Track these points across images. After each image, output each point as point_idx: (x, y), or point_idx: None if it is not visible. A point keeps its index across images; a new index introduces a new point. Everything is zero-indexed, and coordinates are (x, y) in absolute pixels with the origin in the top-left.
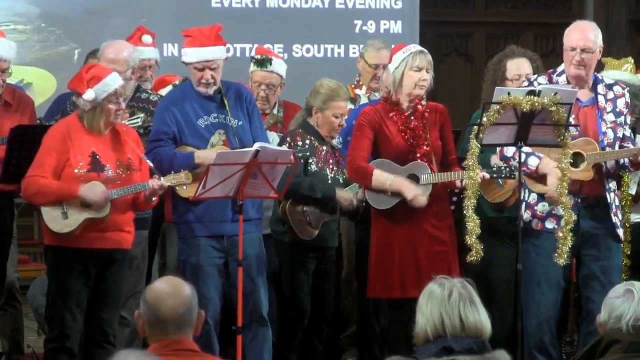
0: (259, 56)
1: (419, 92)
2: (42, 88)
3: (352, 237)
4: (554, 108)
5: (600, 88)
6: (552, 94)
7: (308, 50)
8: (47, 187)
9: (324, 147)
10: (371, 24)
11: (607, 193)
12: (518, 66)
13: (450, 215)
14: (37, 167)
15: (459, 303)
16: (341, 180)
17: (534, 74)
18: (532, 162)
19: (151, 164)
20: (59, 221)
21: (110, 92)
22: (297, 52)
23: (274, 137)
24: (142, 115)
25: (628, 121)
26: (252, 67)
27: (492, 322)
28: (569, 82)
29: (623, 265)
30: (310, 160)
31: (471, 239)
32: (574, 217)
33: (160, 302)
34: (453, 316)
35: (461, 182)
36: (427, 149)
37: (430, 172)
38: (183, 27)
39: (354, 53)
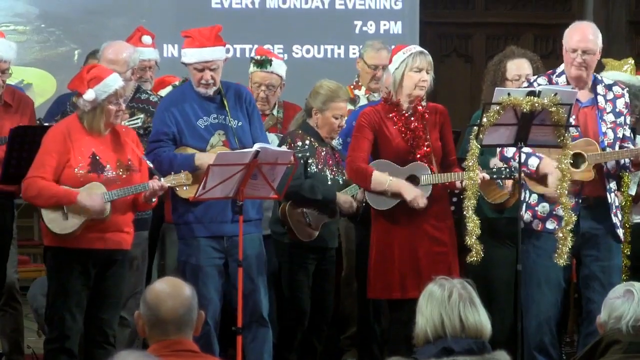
0: (258, 57)
1: (419, 93)
2: (42, 89)
3: (351, 238)
4: (554, 109)
5: (600, 88)
6: (552, 95)
7: (308, 51)
8: (48, 190)
9: (324, 148)
10: (371, 25)
11: (607, 193)
12: (518, 67)
13: (450, 216)
14: (38, 168)
15: (459, 304)
16: (341, 182)
17: (533, 74)
18: (533, 162)
19: (151, 165)
20: (59, 222)
21: (111, 92)
22: (297, 53)
23: (272, 138)
24: (142, 116)
25: (628, 121)
26: (252, 68)
27: (492, 323)
28: (568, 83)
29: (623, 266)
30: (310, 161)
31: (471, 240)
32: (574, 218)
33: (161, 303)
34: (453, 317)
35: (461, 182)
36: (427, 149)
37: (430, 172)
38: (183, 27)
39: (354, 54)
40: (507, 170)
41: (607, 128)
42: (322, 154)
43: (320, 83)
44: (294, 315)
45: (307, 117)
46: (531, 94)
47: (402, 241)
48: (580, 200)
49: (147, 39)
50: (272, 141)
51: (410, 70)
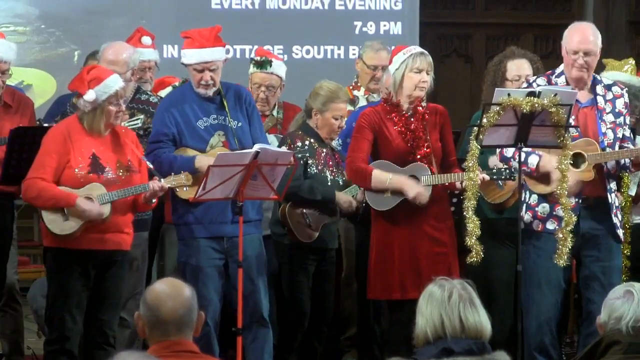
0: (258, 58)
1: (419, 94)
2: (42, 89)
3: (351, 238)
4: (553, 109)
5: (599, 89)
6: (552, 96)
7: (308, 52)
8: (47, 192)
9: (324, 149)
10: (371, 25)
11: (607, 194)
12: (518, 67)
13: (450, 217)
14: (38, 169)
15: (459, 304)
16: (341, 182)
17: (533, 75)
18: (532, 160)
19: (151, 166)
20: (59, 223)
21: (111, 93)
22: (297, 54)
23: (272, 139)
24: (141, 116)
25: (627, 121)
26: (252, 69)
27: (492, 323)
28: (568, 83)
29: (623, 267)
30: (309, 162)
31: (471, 241)
32: (574, 219)
33: (161, 304)
34: (453, 317)
35: (461, 183)
36: (427, 150)
37: (430, 173)
38: (183, 28)
39: (353, 54)
40: (507, 171)
41: (607, 128)
42: (322, 154)
43: (320, 84)
44: (294, 316)
45: (307, 117)
46: (531, 94)
47: (402, 242)
48: (580, 201)
49: (146, 39)
50: (272, 142)
51: (411, 71)
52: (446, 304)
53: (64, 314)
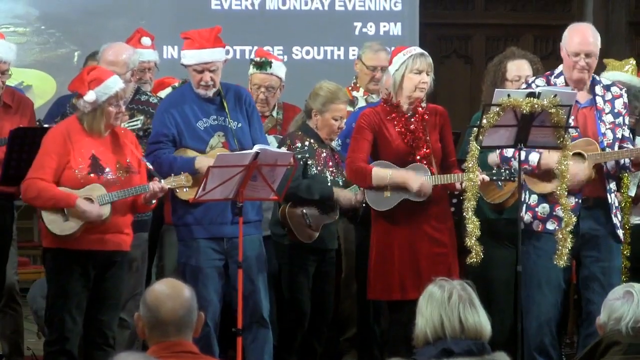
0: (258, 59)
1: (419, 95)
2: (42, 90)
3: (350, 239)
4: (553, 110)
5: (598, 89)
6: (552, 96)
7: (308, 53)
8: (47, 192)
9: (324, 150)
10: (371, 26)
11: (607, 194)
12: (518, 67)
13: (450, 217)
14: (37, 169)
15: (459, 305)
16: (340, 183)
17: (533, 76)
18: (533, 158)
19: (150, 167)
20: (59, 223)
21: (111, 94)
22: (296, 54)
23: (272, 140)
24: (141, 117)
25: (626, 122)
26: (252, 70)
27: (492, 324)
28: (567, 84)
29: (623, 267)
30: (309, 163)
31: (471, 241)
32: (574, 219)
33: (160, 304)
34: (453, 318)
35: (461, 184)
36: (427, 151)
37: (430, 174)
38: (182, 29)
39: (353, 55)
40: (507, 171)
41: (606, 129)
42: (322, 155)
43: (319, 84)
44: (293, 316)
45: (307, 118)
46: (531, 95)
47: (402, 242)
48: (580, 201)
49: (146, 40)
50: (271, 143)
51: (410, 72)
52: (446, 304)
53: (63, 315)
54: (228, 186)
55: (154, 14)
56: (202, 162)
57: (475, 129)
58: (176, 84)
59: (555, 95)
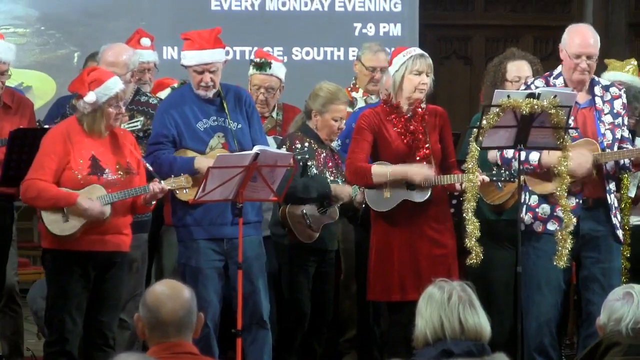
0: (258, 59)
1: (419, 96)
2: (42, 91)
3: (350, 239)
4: (553, 111)
5: (597, 90)
6: (552, 97)
7: (308, 53)
8: (47, 192)
9: (324, 151)
10: (371, 27)
11: (607, 194)
12: (518, 68)
13: (450, 218)
14: (37, 170)
15: (459, 306)
16: (340, 183)
17: (533, 77)
18: (533, 157)
19: (150, 167)
20: (59, 224)
21: (111, 95)
22: (296, 55)
23: (271, 141)
24: (141, 118)
25: (625, 122)
26: (252, 71)
27: (492, 325)
28: (566, 85)
29: (622, 268)
30: (309, 164)
31: (471, 242)
32: (574, 220)
33: (160, 305)
34: (452, 319)
35: (461, 185)
36: (427, 152)
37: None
38: (182, 30)
39: (353, 56)
40: (507, 172)
41: (606, 129)
42: (322, 156)
43: (319, 85)
44: (293, 317)
45: (307, 119)
46: (531, 96)
47: (401, 243)
48: (581, 201)
49: (145, 41)
50: (271, 144)
51: (410, 73)
52: (446, 305)
53: (63, 316)
54: (228, 187)
55: (153, 14)
56: (202, 162)
57: (475, 129)
58: (175, 85)
59: (555, 96)
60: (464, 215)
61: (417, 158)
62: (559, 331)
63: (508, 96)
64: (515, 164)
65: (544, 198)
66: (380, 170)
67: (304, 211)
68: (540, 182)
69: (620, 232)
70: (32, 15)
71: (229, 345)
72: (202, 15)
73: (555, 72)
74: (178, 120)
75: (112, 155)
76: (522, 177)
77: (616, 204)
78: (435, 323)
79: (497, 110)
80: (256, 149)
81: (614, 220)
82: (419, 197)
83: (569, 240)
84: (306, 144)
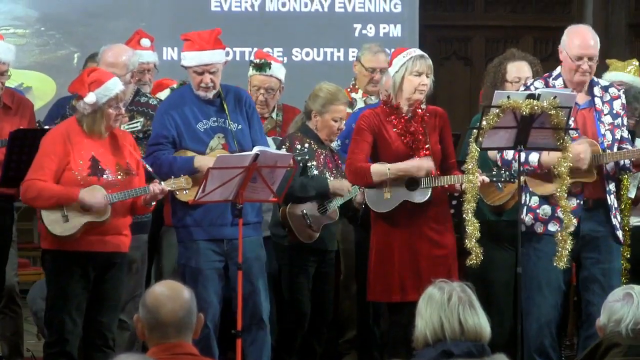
0: (258, 60)
1: (419, 97)
2: (42, 92)
3: (349, 239)
4: (553, 112)
5: (597, 90)
6: (552, 98)
7: (308, 54)
8: (47, 191)
9: (323, 151)
10: (371, 28)
11: (607, 195)
12: (518, 69)
13: (450, 219)
14: (37, 170)
15: (459, 307)
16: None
17: (533, 77)
18: (533, 158)
19: (150, 168)
20: (59, 224)
21: (111, 96)
22: (296, 56)
23: (270, 142)
24: (141, 119)
25: (625, 122)
26: (251, 71)
27: (492, 326)
28: (565, 86)
29: (622, 269)
30: (309, 164)
31: (471, 243)
32: (574, 221)
33: (160, 306)
34: (452, 320)
35: (461, 185)
36: (427, 152)
37: (429, 175)
38: (182, 30)
39: (353, 57)
40: (507, 173)
41: (606, 130)
42: (322, 156)
43: (319, 86)
44: (293, 317)
45: (307, 119)
46: (531, 97)
47: (401, 244)
48: (582, 202)
49: (145, 41)
50: (270, 145)
51: (410, 74)
52: (445, 306)
53: (63, 317)
54: (228, 188)
55: (153, 15)
56: (202, 161)
57: (475, 130)
58: (174, 86)
59: (555, 97)
60: (464, 216)
61: (417, 159)
62: (559, 332)
63: (508, 97)
64: (515, 165)
65: (545, 199)
66: (380, 168)
67: (304, 211)
68: (540, 183)
69: (620, 233)
70: (32, 16)
71: (229, 346)
72: (202, 15)
73: (555, 73)
74: (178, 121)
75: (112, 156)
76: (522, 178)
77: (616, 205)
78: (435, 324)
79: (497, 111)
80: (256, 149)
81: (614, 221)
82: (419, 197)
83: (569, 241)
84: (306, 145)
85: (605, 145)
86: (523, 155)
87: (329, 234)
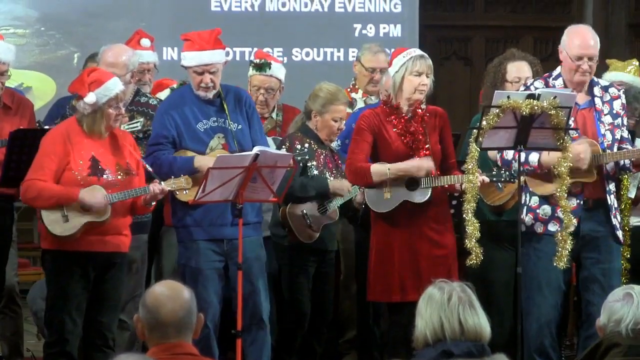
0: (257, 60)
1: (419, 97)
2: (42, 92)
3: (349, 239)
4: (553, 112)
5: (597, 90)
6: (552, 98)
7: (308, 54)
8: (47, 191)
9: (323, 151)
10: (371, 28)
11: (607, 195)
12: (518, 69)
13: (450, 219)
14: (37, 171)
15: (459, 307)
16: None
17: (533, 77)
18: (533, 158)
19: (150, 168)
20: (59, 224)
21: (111, 96)
22: (296, 56)
23: (270, 142)
24: (141, 119)
25: (625, 122)
26: (251, 71)
27: (492, 326)
28: (565, 86)
29: (622, 269)
30: (309, 165)
31: (471, 243)
32: (574, 221)
33: (160, 306)
34: (452, 320)
35: (461, 185)
36: (427, 152)
37: (430, 175)
38: (182, 30)
39: (353, 57)
40: (507, 173)
41: (606, 130)
42: (322, 156)
43: (319, 86)
44: (294, 317)
45: (307, 119)
46: (531, 97)
47: (402, 244)
48: (582, 202)
49: (145, 41)
50: (270, 145)
51: (410, 74)
52: (445, 306)
53: (63, 317)
54: (228, 188)
55: (153, 15)
56: (202, 161)
57: (475, 130)
58: (174, 86)
59: (555, 97)
60: (464, 216)
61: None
62: (558, 332)
63: (508, 97)
64: (515, 165)
65: (545, 199)
66: (380, 168)
67: (304, 211)
68: (540, 183)
69: (620, 233)
70: (32, 16)
71: (229, 346)
72: (202, 15)
73: (555, 73)
74: (178, 121)
75: (112, 156)
76: (522, 178)
77: (616, 205)
78: (435, 324)
79: (497, 111)
80: (256, 149)
81: (614, 221)
82: (419, 197)
83: (569, 241)
84: (306, 145)
85: (605, 145)
86: (523, 155)
87: (329, 234)
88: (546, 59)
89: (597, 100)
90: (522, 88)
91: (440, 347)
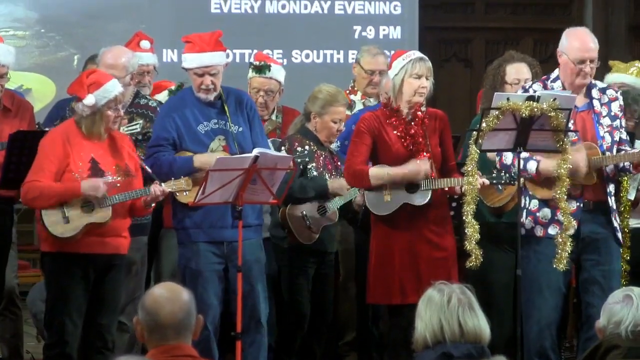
0: (257, 62)
1: (419, 100)
2: (42, 94)
3: (349, 240)
4: (553, 114)
5: (595, 92)
6: (551, 100)
7: (307, 56)
8: (49, 190)
9: (323, 153)
10: (370, 30)
11: (607, 197)
12: (517, 70)
13: (450, 221)
14: (37, 172)
15: (458, 309)
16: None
17: (532, 79)
18: (531, 166)
19: (149, 170)
20: (61, 225)
21: (110, 98)
22: (296, 58)
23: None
24: (140, 121)
25: (623, 124)
26: (251, 73)
27: (491, 328)
28: (564, 88)
29: (622, 271)
30: (309, 167)
31: (470, 245)
32: (574, 223)
33: (159, 308)
34: (452, 322)
35: (461, 188)
36: (427, 155)
37: (429, 178)
38: (182, 32)
39: (353, 59)
40: (507, 175)
41: (605, 132)
42: (321, 158)
43: (319, 87)
44: (293, 319)
45: (306, 121)
46: (530, 98)
47: (402, 246)
48: (582, 204)
49: (145, 43)
50: (270, 147)
51: (410, 76)
52: (445, 308)
53: (63, 318)
54: (227, 189)
55: (153, 17)
56: (201, 159)
57: (474, 132)
58: (172, 88)
59: (554, 99)
60: (464, 218)
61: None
62: (558, 334)
63: (507, 99)
64: (514, 168)
65: (545, 202)
66: (378, 172)
67: (304, 212)
68: (540, 187)
69: (620, 235)
70: (32, 18)
71: (229, 348)
72: (201, 17)
73: (553, 75)
74: (179, 123)
75: (111, 158)
76: (521, 180)
77: (615, 207)
78: (435, 326)
79: (497, 113)
80: (256, 151)
81: (614, 223)
82: (419, 200)
83: (568, 244)
84: (306, 147)
85: (605, 148)
86: (521, 163)
87: (329, 235)
88: (546, 61)
89: (596, 103)
90: (520, 91)
91: (440, 349)
